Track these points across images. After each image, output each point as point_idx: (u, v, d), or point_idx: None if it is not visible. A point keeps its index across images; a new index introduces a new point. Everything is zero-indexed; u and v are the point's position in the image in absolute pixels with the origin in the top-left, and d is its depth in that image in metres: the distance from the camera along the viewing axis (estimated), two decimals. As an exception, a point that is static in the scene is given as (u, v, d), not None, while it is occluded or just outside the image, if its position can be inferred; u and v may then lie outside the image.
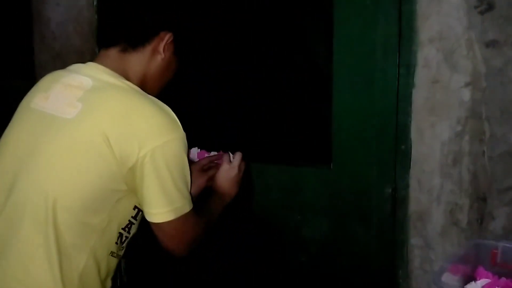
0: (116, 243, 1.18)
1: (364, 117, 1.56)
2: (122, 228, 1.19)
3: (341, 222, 1.66)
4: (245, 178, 1.43)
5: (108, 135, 1.08)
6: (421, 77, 1.48)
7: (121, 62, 1.20)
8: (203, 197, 1.37)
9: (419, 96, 1.49)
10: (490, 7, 1.37)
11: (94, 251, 1.13)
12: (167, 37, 1.21)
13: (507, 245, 1.31)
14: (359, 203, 1.61)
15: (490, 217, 1.44)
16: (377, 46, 1.52)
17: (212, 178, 1.43)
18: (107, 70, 1.18)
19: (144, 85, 1.22)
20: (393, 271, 1.59)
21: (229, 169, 1.39)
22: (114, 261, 1.21)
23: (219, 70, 1.81)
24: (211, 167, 1.47)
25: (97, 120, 1.10)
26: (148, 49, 1.21)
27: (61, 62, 2.13)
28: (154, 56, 1.22)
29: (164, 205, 1.13)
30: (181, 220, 1.16)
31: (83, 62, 1.25)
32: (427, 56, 1.46)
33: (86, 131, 1.10)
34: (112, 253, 1.18)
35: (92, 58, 1.28)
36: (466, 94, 1.43)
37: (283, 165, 1.74)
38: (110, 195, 1.12)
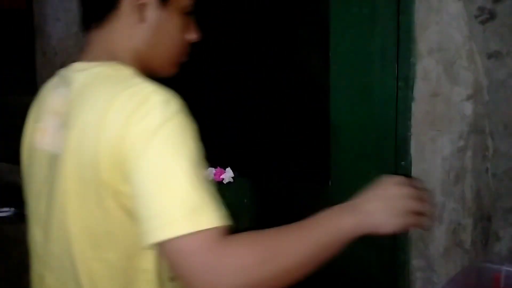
0: None
1: (363, 132, 1.51)
2: None
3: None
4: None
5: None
6: (421, 90, 1.41)
7: (103, 43, 0.92)
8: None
9: (419, 109, 1.42)
10: (492, 17, 1.30)
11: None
12: None
13: (511, 269, 1.23)
14: (359, 222, 1.54)
15: (495, 237, 1.36)
16: (375, 58, 1.47)
17: None
18: (85, 64, 0.91)
19: (145, 64, 0.93)
20: (395, 294, 1.51)
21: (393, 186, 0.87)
22: None
23: (215, 81, 1.78)
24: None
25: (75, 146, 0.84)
26: (122, 17, 0.91)
27: (62, 77, 2.13)
28: (133, 24, 0.91)
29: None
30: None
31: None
32: (427, 68, 1.40)
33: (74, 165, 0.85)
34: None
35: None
36: (468, 108, 1.36)
37: (281, 181, 1.69)
38: None
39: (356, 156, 1.52)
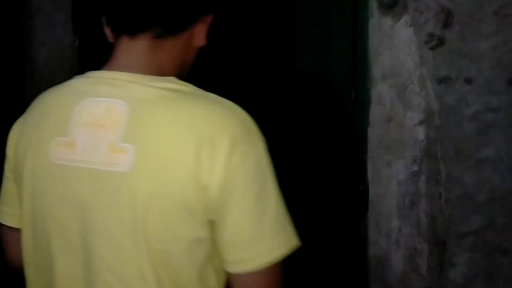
0: None
1: (323, 155, 1.51)
2: None
3: (303, 263, 1.59)
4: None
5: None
6: (376, 114, 1.42)
7: (155, 57, 0.83)
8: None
9: (374, 134, 1.43)
10: (441, 42, 1.31)
11: None
12: (210, 20, 0.88)
13: (459, 295, 1.22)
14: (321, 246, 1.54)
15: (450, 264, 1.35)
16: (333, 82, 1.48)
17: None
18: (139, 75, 0.81)
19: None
20: (355, 320, 1.50)
21: None
22: None
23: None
24: None
25: (171, 164, 0.75)
26: (188, 35, 0.86)
27: (48, 100, 2.19)
28: (192, 44, 0.87)
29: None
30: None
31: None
32: (381, 93, 1.41)
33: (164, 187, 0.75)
34: None
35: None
36: (421, 132, 1.36)
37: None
38: None
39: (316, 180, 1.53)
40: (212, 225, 0.77)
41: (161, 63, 0.83)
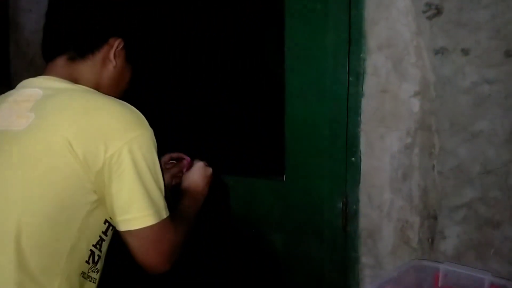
0: (87, 262, 1.06)
1: (315, 127, 1.49)
2: (93, 245, 1.07)
3: (295, 236, 1.58)
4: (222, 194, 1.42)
5: (69, 138, 0.97)
6: (370, 86, 1.40)
7: (70, 71, 1.13)
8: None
9: (369, 105, 1.41)
10: (439, 12, 1.29)
11: (67, 273, 1.01)
12: (116, 43, 1.15)
13: (449, 268, 1.22)
14: (312, 218, 1.53)
15: (441, 236, 1.34)
16: (328, 52, 1.45)
17: (175, 176, 1.39)
18: (57, 78, 1.11)
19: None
20: (345, 291, 1.50)
21: (204, 167, 1.34)
22: (88, 286, 1.07)
23: (169, 76, 1.77)
24: (173, 165, 1.43)
25: (54, 124, 1.00)
26: (98, 56, 1.14)
27: (34, 69, 2.14)
28: (105, 64, 1.15)
29: (144, 207, 1.01)
30: (161, 225, 1.03)
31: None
32: (376, 63, 1.38)
33: (43, 139, 1.00)
34: (83, 274, 1.05)
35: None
36: (415, 104, 1.34)
37: (238, 176, 1.68)
38: (79, 207, 1.01)
39: (309, 151, 1.51)
40: None
41: (76, 79, 1.12)
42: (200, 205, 1.29)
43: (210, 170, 1.36)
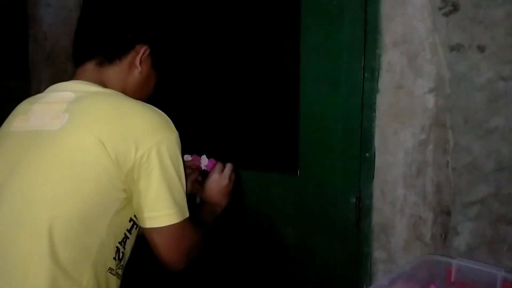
0: (114, 258, 1.10)
1: (330, 122, 1.50)
2: (119, 242, 1.10)
3: (307, 231, 1.60)
4: (236, 188, 1.41)
5: (101, 138, 1.02)
6: (385, 82, 1.41)
7: (98, 75, 1.18)
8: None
9: (383, 101, 1.41)
10: (455, 9, 1.29)
11: (95, 268, 1.05)
12: (143, 50, 1.19)
13: (462, 263, 1.22)
14: (325, 212, 1.55)
15: (454, 232, 1.35)
16: (343, 49, 1.46)
17: (195, 181, 1.42)
18: (87, 82, 1.16)
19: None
20: (357, 285, 1.51)
21: (219, 179, 1.37)
22: (113, 281, 1.11)
23: (188, 77, 1.79)
24: (193, 170, 1.45)
25: (87, 125, 1.06)
26: (125, 62, 1.19)
27: (52, 62, 2.17)
28: (131, 69, 1.20)
29: (169, 206, 1.06)
30: (183, 224, 1.09)
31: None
32: (391, 60, 1.39)
33: (77, 138, 1.04)
34: (110, 270, 1.09)
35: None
36: (430, 101, 1.35)
37: (252, 170, 1.70)
38: (110, 204, 1.05)
39: (323, 146, 1.52)
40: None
41: (103, 83, 1.17)
42: (216, 215, 1.36)
43: (226, 181, 1.37)
